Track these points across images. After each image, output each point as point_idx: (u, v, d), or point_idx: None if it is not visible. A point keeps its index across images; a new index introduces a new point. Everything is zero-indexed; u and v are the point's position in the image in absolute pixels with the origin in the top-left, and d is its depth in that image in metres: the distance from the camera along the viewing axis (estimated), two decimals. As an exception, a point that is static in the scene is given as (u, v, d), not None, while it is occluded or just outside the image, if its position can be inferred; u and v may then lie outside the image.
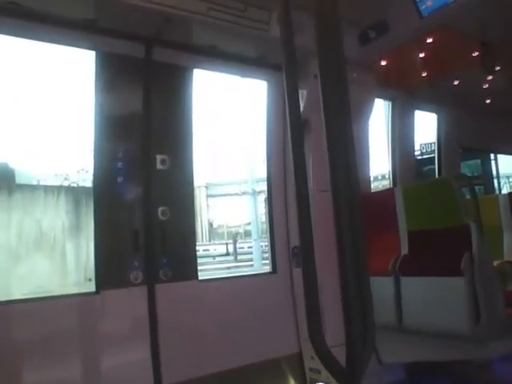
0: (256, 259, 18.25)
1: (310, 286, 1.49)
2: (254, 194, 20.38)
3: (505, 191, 9.57)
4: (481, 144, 6.03)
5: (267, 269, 3.90)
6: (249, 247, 20.92)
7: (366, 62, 3.68)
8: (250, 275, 4.22)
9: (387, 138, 4.88)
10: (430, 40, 3.53)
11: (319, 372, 3.31)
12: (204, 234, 26.96)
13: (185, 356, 3.05)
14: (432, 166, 5.61)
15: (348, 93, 1.33)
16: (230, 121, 34.69)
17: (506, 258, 3.96)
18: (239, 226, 27.10)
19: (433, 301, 2.90)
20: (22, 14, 2.64)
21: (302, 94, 3.37)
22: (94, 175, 3.00)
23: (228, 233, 27.16)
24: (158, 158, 3.16)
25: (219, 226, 28.38)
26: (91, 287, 2.92)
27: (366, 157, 3.98)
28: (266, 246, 4.15)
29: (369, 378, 1.32)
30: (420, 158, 7.93)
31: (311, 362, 3.44)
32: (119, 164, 3.01)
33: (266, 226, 4.05)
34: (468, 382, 3.41)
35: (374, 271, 2.96)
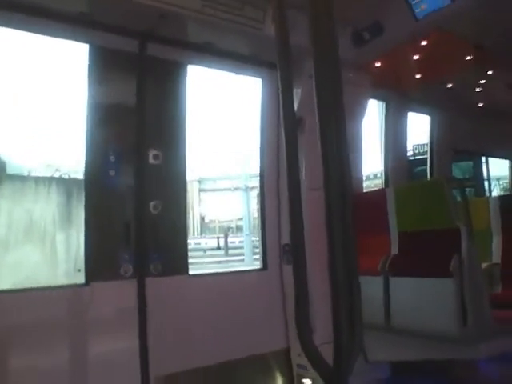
0: (247, 254, 18.31)
1: (299, 284, 1.51)
2: (247, 189, 20.42)
3: (495, 193, 9.65)
4: (473, 147, 6.08)
5: (258, 264, 3.91)
6: (240, 242, 20.97)
7: (360, 62, 3.69)
8: (241, 271, 4.23)
9: (380, 139, 4.91)
10: (424, 43, 3.54)
11: (306, 369, 3.34)
12: (196, 228, 26.96)
13: (173, 349, 3.06)
14: (424, 167, 5.65)
15: (342, 93, 1.33)
16: (224, 117, 34.58)
17: (495, 260, 4.00)
18: (231, 221, 27.13)
19: (421, 301, 2.92)
20: (16, 7, 2.63)
21: (297, 93, 3.38)
22: (86, 168, 2.99)
23: (220, 227, 27.18)
24: (151, 152, 3.16)
25: (211, 221, 28.39)
26: (81, 278, 2.91)
27: (358, 156, 4.00)
28: (257, 241, 4.15)
29: (355, 376, 1.33)
30: (412, 158, 7.98)
31: (299, 358, 3.46)
32: (111, 158, 3.00)
33: (257, 222, 4.06)
34: (453, 381, 3.45)
35: (364, 270, 2.95)
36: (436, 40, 3.51)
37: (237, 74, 3.86)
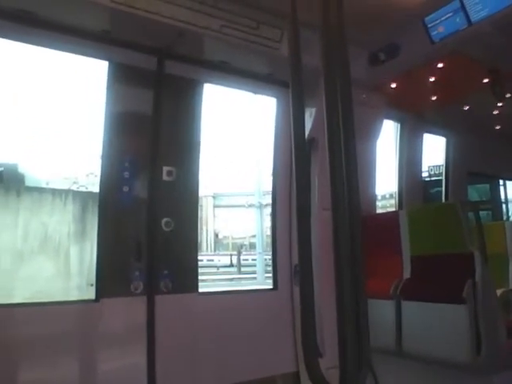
0: (259, 272, 18.14)
1: (306, 306, 1.47)
2: (261, 206, 20.34)
3: (514, 217, 9.43)
4: (489, 170, 5.99)
5: (270, 282, 3.86)
6: (253, 259, 20.81)
7: (376, 83, 3.70)
8: (250, 290, 4.18)
9: (395, 160, 4.87)
10: (440, 65, 3.54)
11: None
12: (209, 245, 26.88)
13: (181, 368, 3.04)
14: (439, 188, 5.58)
15: (353, 113, 1.33)
16: (241, 134, 34.85)
17: (511, 286, 3.90)
18: (244, 238, 26.99)
19: (433, 327, 2.84)
20: (38, 23, 2.70)
21: (311, 113, 3.39)
22: (101, 183, 3.03)
23: (233, 244, 27.05)
24: (165, 169, 3.19)
25: (225, 237, 28.28)
26: (93, 293, 2.93)
27: (372, 177, 3.97)
28: (269, 259, 4.12)
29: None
30: (428, 179, 7.89)
31: (308, 382, 3.38)
32: (126, 174, 3.04)
33: (270, 240, 4.04)
34: None
35: (375, 293, 2.92)
36: (452, 63, 3.50)
37: (252, 92, 3.90)
